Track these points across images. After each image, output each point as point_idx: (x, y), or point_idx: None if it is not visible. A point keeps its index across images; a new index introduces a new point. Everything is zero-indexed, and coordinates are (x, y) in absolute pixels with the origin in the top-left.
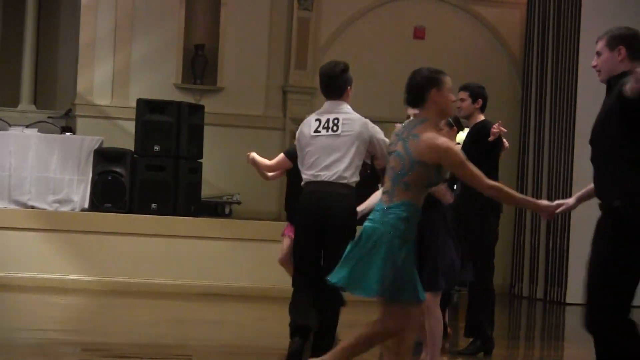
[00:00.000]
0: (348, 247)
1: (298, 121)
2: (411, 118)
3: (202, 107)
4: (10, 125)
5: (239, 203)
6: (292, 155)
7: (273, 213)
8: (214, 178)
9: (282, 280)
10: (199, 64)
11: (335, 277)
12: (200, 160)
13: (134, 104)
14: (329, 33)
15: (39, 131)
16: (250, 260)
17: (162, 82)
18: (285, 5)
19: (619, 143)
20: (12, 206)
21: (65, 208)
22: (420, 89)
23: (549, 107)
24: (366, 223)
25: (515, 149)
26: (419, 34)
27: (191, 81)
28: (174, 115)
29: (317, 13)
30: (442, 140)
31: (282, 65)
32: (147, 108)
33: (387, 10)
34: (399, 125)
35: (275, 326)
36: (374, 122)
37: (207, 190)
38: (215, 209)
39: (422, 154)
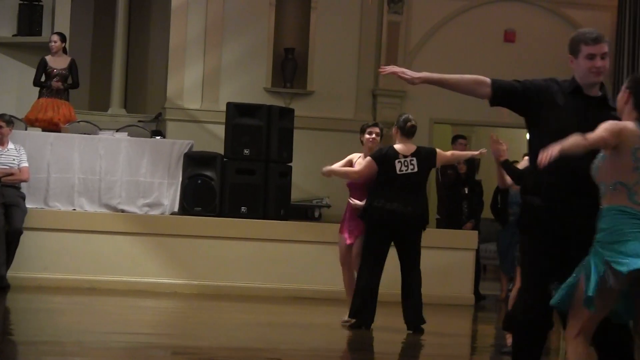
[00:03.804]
0: None
1: (388, 124)
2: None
3: (292, 110)
4: (100, 129)
5: (328, 206)
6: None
7: None
8: (304, 181)
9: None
10: (289, 67)
11: None
12: (290, 164)
13: (224, 108)
14: (419, 36)
15: (129, 135)
16: (339, 263)
17: (252, 85)
18: (376, 8)
19: None
20: (103, 210)
21: (155, 212)
22: None
23: None
24: None
25: None
26: (509, 37)
27: (281, 85)
28: (264, 119)
29: (407, 16)
30: None
31: (372, 69)
32: (237, 112)
33: (477, 14)
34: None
35: (364, 330)
36: (463, 126)
37: (297, 194)
38: (305, 212)
39: None
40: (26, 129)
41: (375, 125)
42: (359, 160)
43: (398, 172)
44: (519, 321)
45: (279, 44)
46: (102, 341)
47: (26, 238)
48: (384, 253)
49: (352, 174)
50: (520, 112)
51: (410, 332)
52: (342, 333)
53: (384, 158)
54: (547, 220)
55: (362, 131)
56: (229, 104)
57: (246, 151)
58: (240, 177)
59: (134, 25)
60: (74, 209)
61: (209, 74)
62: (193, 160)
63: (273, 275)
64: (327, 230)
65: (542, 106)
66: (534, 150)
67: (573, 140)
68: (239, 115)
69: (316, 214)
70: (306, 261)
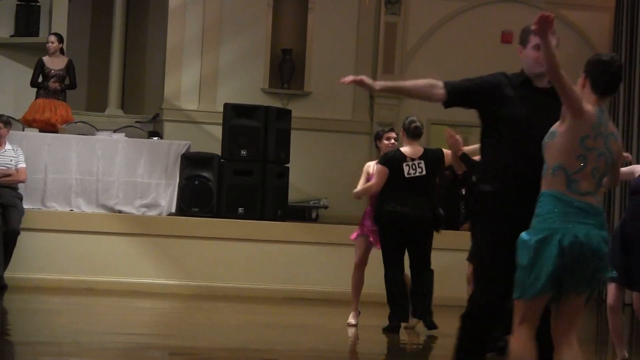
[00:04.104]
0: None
1: (385, 125)
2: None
3: (289, 111)
4: (97, 130)
5: (325, 207)
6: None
7: (360, 217)
8: (301, 182)
9: (368, 284)
10: (286, 68)
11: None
12: (287, 165)
13: (221, 109)
14: (416, 37)
15: (126, 136)
16: (337, 264)
17: (249, 86)
18: (373, 9)
19: None
20: (100, 210)
21: (152, 212)
22: (620, 80)
23: (637, 111)
24: (595, 230)
25: None
26: (506, 38)
27: (278, 86)
28: (261, 120)
29: (405, 17)
30: None
31: (369, 70)
32: (234, 112)
33: (475, 15)
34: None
35: (362, 331)
36: (460, 127)
37: (294, 195)
38: (302, 213)
39: (618, 156)
40: (23, 130)
41: (392, 130)
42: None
43: (406, 175)
44: (469, 311)
45: (277, 44)
46: (99, 342)
47: (23, 239)
48: (402, 253)
49: (372, 189)
50: (475, 108)
51: (426, 329)
52: (340, 333)
53: (391, 162)
54: (498, 207)
55: (379, 138)
56: (226, 105)
57: (243, 152)
58: (237, 177)
59: (132, 26)
60: (71, 210)
61: (207, 74)
62: (190, 161)
63: (270, 276)
64: (324, 231)
65: (495, 100)
66: (487, 142)
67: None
68: (236, 116)
69: (313, 215)
70: (303, 262)
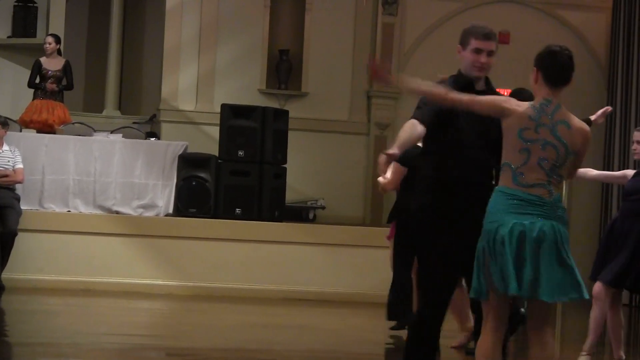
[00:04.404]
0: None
1: (382, 126)
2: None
3: (287, 112)
4: (95, 131)
5: (323, 208)
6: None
7: (357, 218)
8: (299, 183)
9: (366, 285)
10: (284, 69)
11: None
12: (284, 166)
13: (219, 109)
14: (413, 38)
15: (123, 137)
16: (334, 265)
17: (246, 87)
18: (370, 10)
19: None
20: (97, 211)
21: (149, 213)
22: (572, 69)
23: (635, 112)
24: (538, 220)
25: (601, 155)
26: (503, 38)
27: (275, 86)
28: (259, 121)
29: (402, 18)
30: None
31: (366, 70)
32: (231, 113)
33: (472, 15)
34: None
35: (359, 331)
36: None
37: (292, 196)
38: (300, 214)
39: (576, 144)
40: (21, 131)
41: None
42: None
43: None
44: (418, 312)
45: (274, 45)
46: (97, 342)
47: (21, 240)
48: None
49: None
50: (447, 122)
51: None
52: (338, 334)
53: (407, 159)
54: (441, 211)
55: None
56: (223, 106)
57: (241, 153)
58: (234, 178)
59: (129, 26)
60: (69, 211)
61: (204, 75)
62: (187, 162)
63: (267, 277)
64: (321, 231)
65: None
66: (430, 146)
67: (435, 88)
68: (233, 116)
69: (311, 216)
70: (301, 262)
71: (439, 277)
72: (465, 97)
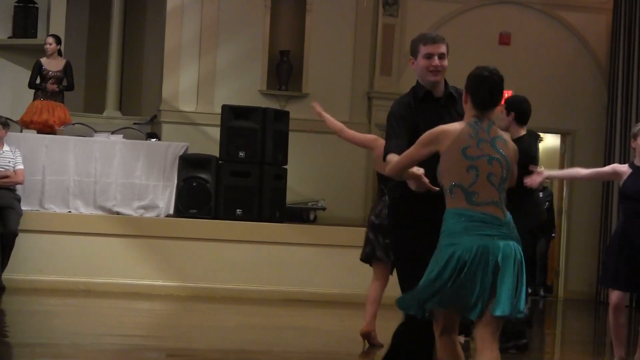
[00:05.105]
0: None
1: (383, 127)
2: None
3: (287, 113)
4: (95, 131)
5: (323, 209)
6: None
7: (358, 219)
8: (299, 184)
9: (366, 286)
10: (284, 70)
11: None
12: (285, 167)
13: (219, 110)
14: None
15: (124, 137)
16: (334, 266)
17: (247, 88)
18: (371, 11)
19: None
20: (98, 212)
21: (150, 214)
22: (501, 92)
23: (635, 113)
24: (498, 241)
25: (601, 156)
26: (504, 39)
27: (276, 87)
28: (259, 122)
29: (402, 19)
30: None
31: (367, 72)
32: (232, 114)
33: (473, 16)
34: None
35: (358, 332)
36: None
37: (292, 197)
38: (300, 215)
39: (512, 157)
40: (21, 131)
41: None
42: None
43: None
44: (408, 320)
45: (274, 46)
46: (97, 343)
47: (21, 240)
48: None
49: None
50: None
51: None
52: (337, 335)
53: None
54: (410, 216)
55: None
56: (224, 107)
57: (241, 153)
58: (235, 179)
59: (129, 27)
60: (69, 211)
61: (204, 76)
62: (188, 163)
63: (268, 278)
64: (322, 232)
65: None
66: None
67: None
68: (234, 117)
69: (311, 217)
70: (301, 263)
71: (415, 280)
72: (403, 158)
